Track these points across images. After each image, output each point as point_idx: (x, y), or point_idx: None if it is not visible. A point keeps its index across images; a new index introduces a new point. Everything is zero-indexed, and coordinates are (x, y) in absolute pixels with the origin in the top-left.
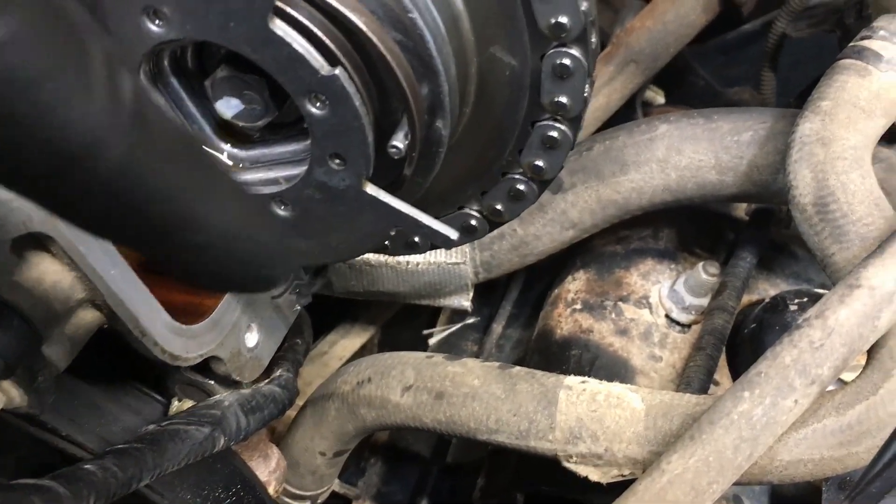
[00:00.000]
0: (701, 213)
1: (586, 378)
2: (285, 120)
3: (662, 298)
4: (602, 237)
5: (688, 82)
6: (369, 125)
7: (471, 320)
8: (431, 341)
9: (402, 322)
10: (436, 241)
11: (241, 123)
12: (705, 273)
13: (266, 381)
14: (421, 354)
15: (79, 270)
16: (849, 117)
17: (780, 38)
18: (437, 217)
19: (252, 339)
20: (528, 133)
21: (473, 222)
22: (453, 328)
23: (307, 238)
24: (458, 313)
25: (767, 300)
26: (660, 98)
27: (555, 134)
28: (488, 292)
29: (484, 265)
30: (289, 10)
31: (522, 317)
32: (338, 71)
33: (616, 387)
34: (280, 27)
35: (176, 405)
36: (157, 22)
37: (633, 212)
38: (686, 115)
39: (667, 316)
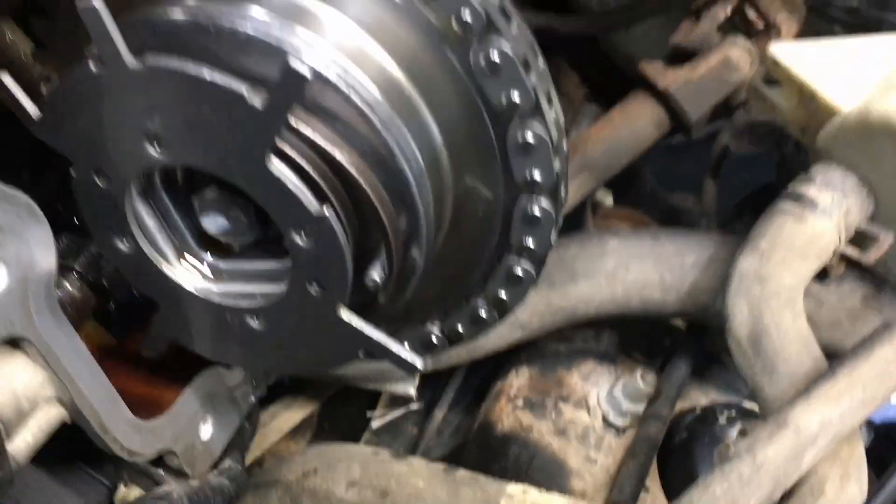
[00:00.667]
0: (641, 319)
1: (527, 487)
2: (266, 237)
3: (601, 401)
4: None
5: (635, 185)
6: (350, 258)
7: (414, 406)
8: (374, 424)
9: (344, 397)
10: (402, 368)
11: (224, 239)
12: (642, 381)
13: (215, 471)
14: (368, 449)
15: (51, 370)
16: (784, 259)
17: (724, 151)
18: (397, 332)
19: (206, 431)
20: (495, 265)
21: (434, 340)
22: (396, 413)
23: (276, 350)
24: (402, 397)
25: (698, 411)
26: (608, 199)
27: (519, 272)
28: (431, 376)
29: (433, 358)
30: (286, 149)
31: (463, 402)
32: (327, 212)
33: (556, 498)
34: (277, 166)
35: (122, 491)
36: (156, 146)
37: (579, 319)
38: (635, 234)
39: (604, 419)
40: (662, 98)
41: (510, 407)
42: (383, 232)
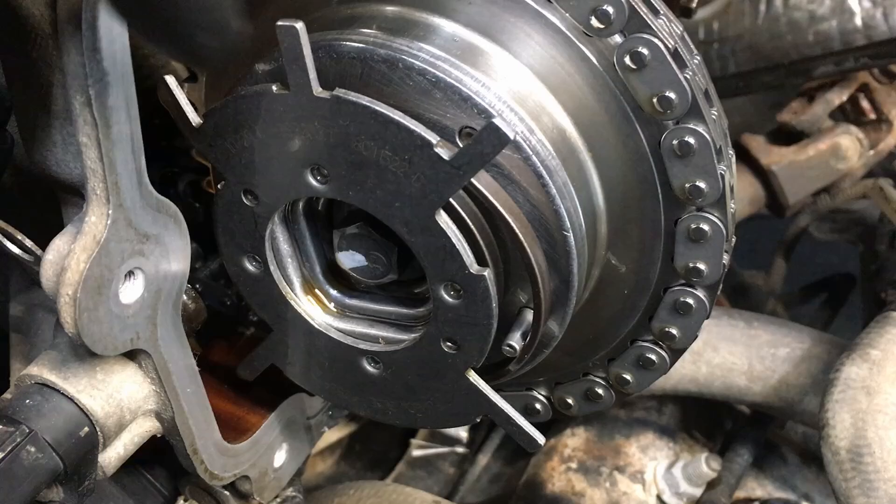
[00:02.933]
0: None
1: None
2: (399, 280)
3: (657, 478)
4: None
5: None
6: (496, 324)
7: (460, 449)
8: (414, 452)
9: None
10: (520, 441)
11: (357, 276)
12: (707, 466)
13: (278, 499)
14: (428, 497)
15: (159, 385)
16: None
17: (800, 233)
18: (558, 383)
19: (280, 458)
20: (626, 346)
21: (538, 407)
22: (441, 450)
23: (388, 398)
24: (445, 434)
25: None
26: None
27: (654, 358)
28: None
29: None
30: (454, 204)
31: (506, 450)
32: (486, 273)
33: None
34: (444, 219)
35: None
36: (318, 179)
37: (654, 392)
38: (728, 314)
39: (658, 497)
40: (763, 175)
41: (563, 467)
42: (536, 302)
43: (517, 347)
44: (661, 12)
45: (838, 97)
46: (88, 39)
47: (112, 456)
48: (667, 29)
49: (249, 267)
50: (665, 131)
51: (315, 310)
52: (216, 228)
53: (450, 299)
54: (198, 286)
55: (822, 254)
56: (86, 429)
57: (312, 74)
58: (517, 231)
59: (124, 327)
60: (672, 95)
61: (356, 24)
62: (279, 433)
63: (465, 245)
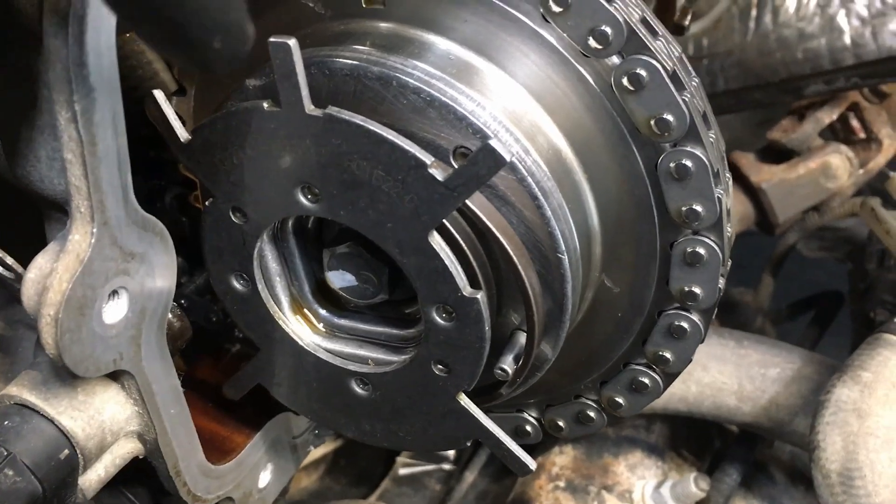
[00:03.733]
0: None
1: None
2: (390, 301)
3: (646, 497)
4: None
5: None
6: (488, 348)
7: (447, 466)
8: (401, 470)
9: None
10: (511, 466)
11: (346, 296)
12: (696, 486)
13: None
14: None
15: (142, 406)
16: (887, 395)
17: (788, 250)
18: (549, 405)
19: (265, 478)
20: (618, 369)
21: (528, 429)
22: (427, 467)
23: (376, 420)
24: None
25: None
26: None
27: (647, 382)
28: None
29: None
30: (448, 225)
31: (493, 468)
32: (479, 296)
33: None
34: (437, 241)
35: None
36: (309, 197)
37: (644, 412)
38: (718, 333)
39: None
40: (753, 192)
41: (550, 486)
42: (529, 325)
43: (509, 371)
44: (660, 33)
45: (828, 116)
46: (75, 53)
47: (93, 478)
48: (665, 50)
49: (237, 285)
50: (662, 154)
51: (303, 330)
52: (203, 245)
53: (442, 322)
54: (183, 301)
55: (809, 271)
56: (66, 451)
57: (305, 92)
58: (511, 253)
59: (107, 348)
60: (670, 118)
61: (350, 40)
62: (264, 453)
63: (458, 267)
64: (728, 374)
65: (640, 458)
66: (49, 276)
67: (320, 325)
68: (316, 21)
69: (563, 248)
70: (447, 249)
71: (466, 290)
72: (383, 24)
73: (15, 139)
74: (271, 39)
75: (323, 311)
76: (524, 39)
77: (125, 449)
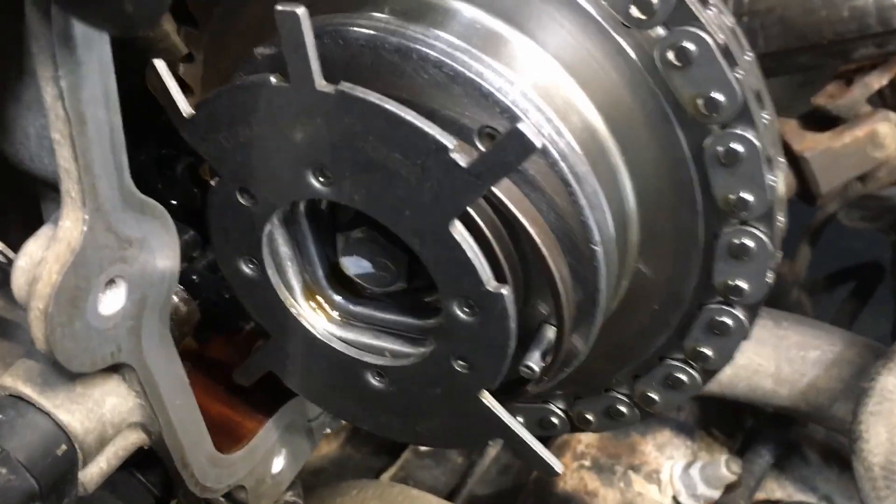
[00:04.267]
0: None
1: None
2: (409, 289)
3: (674, 479)
4: None
5: None
6: (513, 345)
7: None
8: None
9: None
10: (537, 468)
11: (361, 283)
12: (727, 469)
13: None
14: (433, 500)
15: (145, 398)
16: None
17: (827, 219)
18: (578, 397)
19: (279, 464)
20: (654, 363)
21: (554, 421)
22: None
23: (393, 414)
24: None
25: None
26: None
27: (684, 378)
28: None
29: None
30: (472, 213)
31: None
32: (504, 291)
33: None
34: (459, 231)
35: None
36: (321, 180)
37: None
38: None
39: (674, 498)
40: (794, 161)
41: (575, 465)
42: (559, 322)
43: (536, 369)
44: (711, 2)
45: (878, 81)
46: (58, 23)
47: (94, 472)
48: (716, 21)
49: (245, 269)
50: (709, 136)
51: (316, 318)
52: (210, 226)
53: (463, 316)
54: (194, 277)
55: (846, 239)
56: (63, 446)
57: (315, 66)
58: (541, 245)
59: (103, 341)
60: (720, 97)
61: (367, 6)
62: (278, 438)
63: (482, 259)
64: (765, 356)
65: (669, 438)
66: (39, 265)
67: (334, 313)
68: None
69: (598, 239)
70: (470, 240)
71: (491, 284)
72: None
73: (2, 115)
74: (278, 8)
75: (337, 298)
76: (558, 7)
77: (128, 440)
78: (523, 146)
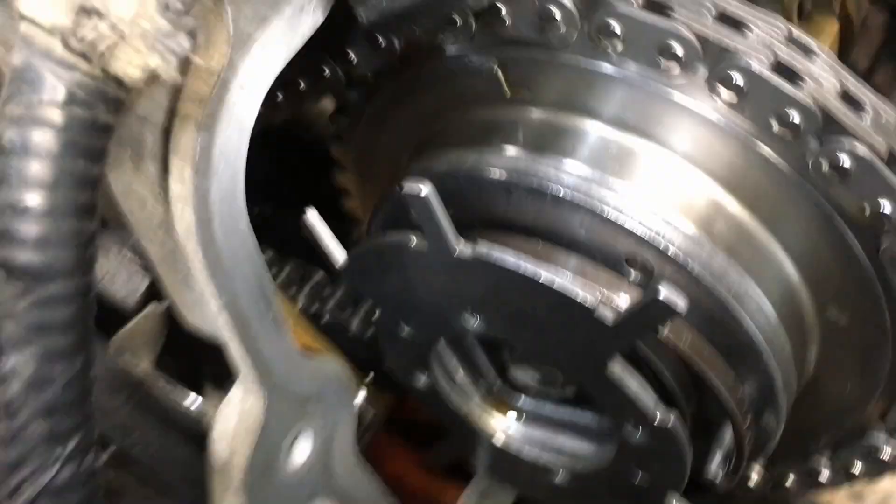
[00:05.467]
0: None
1: None
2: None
3: None
4: None
5: None
6: (690, 459)
7: None
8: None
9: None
10: None
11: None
12: None
13: None
14: None
15: None
16: None
17: None
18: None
19: None
20: (855, 434)
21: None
22: None
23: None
24: None
25: None
26: None
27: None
28: None
29: None
30: (644, 348)
31: None
32: (671, 423)
33: None
34: (616, 372)
35: None
36: (476, 318)
37: None
38: None
39: None
40: None
41: None
42: (738, 440)
43: (719, 476)
44: (866, 104)
45: None
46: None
47: None
48: (874, 123)
49: (420, 380)
50: (881, 238)
51: (492, 420)
52: (381, 345)
53: (637, 438)
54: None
55: None
56: None
57: (450, 234)
58: (709, 377)
59: (298, 486)
60: (888, 209)
61: (498, 135)
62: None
63: (646, 392)
64: None
65: None
66: (232, 438)
67: (509, 412)
68: (454, 108)
69: (775, 365)
70: (629, 378)
71: (657, 415)
72: (532, 114)
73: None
74: (405, 190)
75: (511, 397)
76: (689, 114)
77: None
78: (666, 309)
